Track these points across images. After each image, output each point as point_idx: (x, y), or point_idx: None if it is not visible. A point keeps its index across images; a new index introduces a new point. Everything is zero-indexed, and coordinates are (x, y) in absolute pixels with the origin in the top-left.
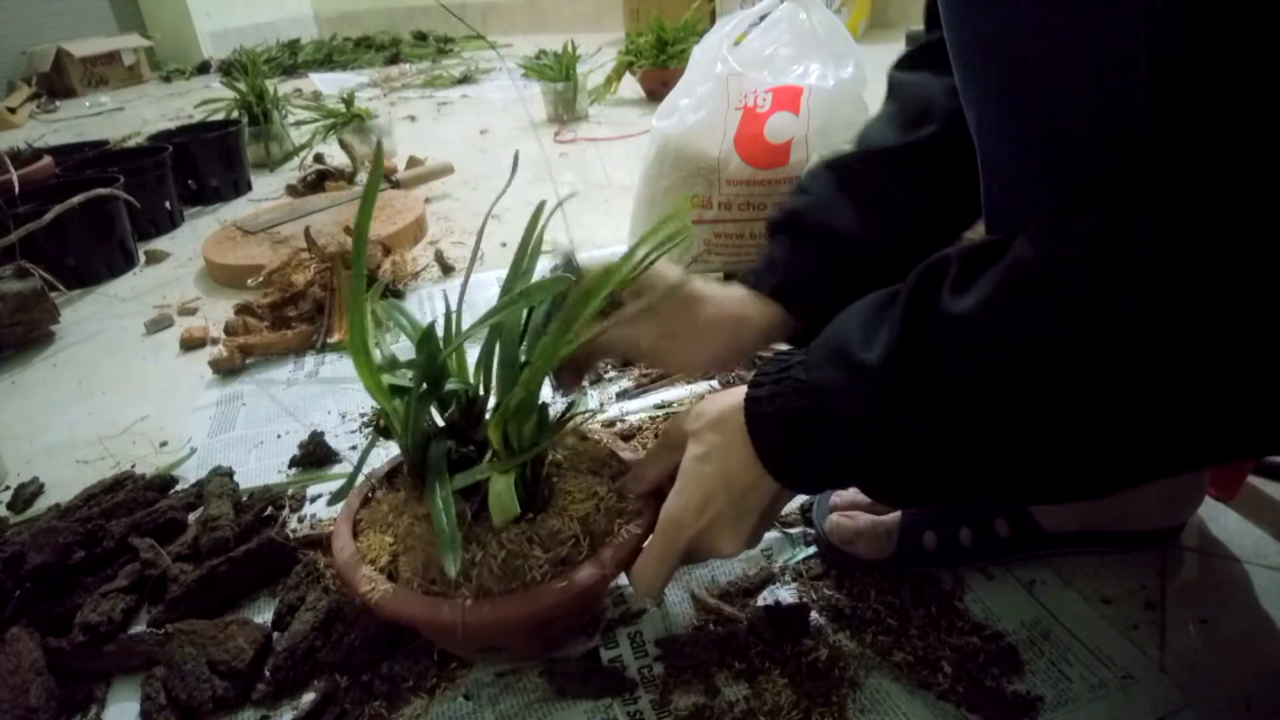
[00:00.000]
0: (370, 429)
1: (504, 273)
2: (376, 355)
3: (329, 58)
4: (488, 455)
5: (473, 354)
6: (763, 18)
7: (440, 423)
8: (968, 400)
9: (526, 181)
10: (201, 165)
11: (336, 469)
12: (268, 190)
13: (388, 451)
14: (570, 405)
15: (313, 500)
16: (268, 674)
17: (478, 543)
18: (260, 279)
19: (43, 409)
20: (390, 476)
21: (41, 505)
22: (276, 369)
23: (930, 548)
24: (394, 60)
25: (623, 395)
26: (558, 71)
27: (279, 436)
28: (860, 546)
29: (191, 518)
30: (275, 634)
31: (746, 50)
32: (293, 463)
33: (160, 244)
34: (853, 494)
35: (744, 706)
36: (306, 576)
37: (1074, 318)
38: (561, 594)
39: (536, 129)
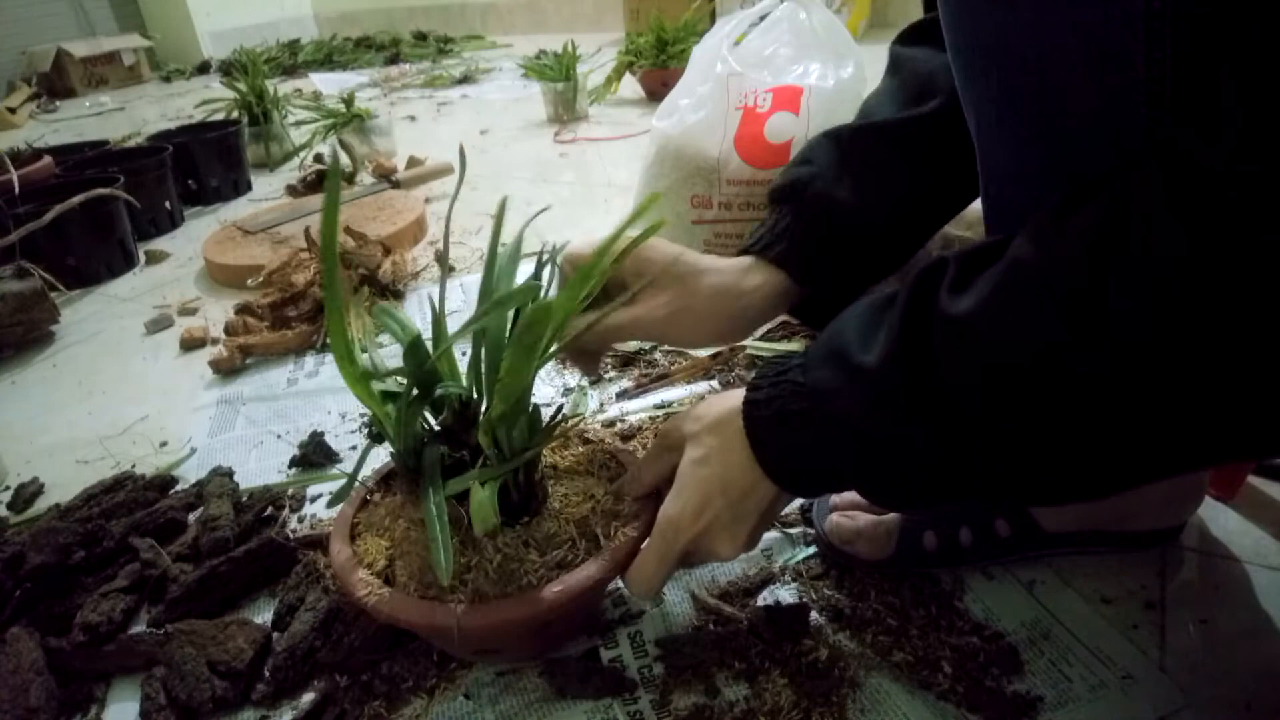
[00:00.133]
0: (368, 431)
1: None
2: (366, 361)
3: (329, 58)
4: (480, 460)
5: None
6: (763, 18)
7: (436, 427)
8: (966, 401)
9: (527, 181)
10: (201, 165)
11: (336, 469)
12: (268, 190)
13: (388, 452)
14: (560, 410)
15: (313, 500)
16: (267, 674)
17: (473, 546)
18: (260, 279)
19: (43, 409)
20: (387, 479)
21: (41, 505)
22: (276, 369)
23: (930, 548)
24: (394, 60)
25: (623, 395)
26: (558, 71)
27: (279, 436)
28: (860, 546)
29: (191, 518)
30: (275, 634)
31: (746, 50)
32: (293, 463)
33: (160, 244)
34: (853, 494)
35: (744, 706)
36: (306, 577)
37: (1072, 318)
38: (557, 598)
39: (536, 129)
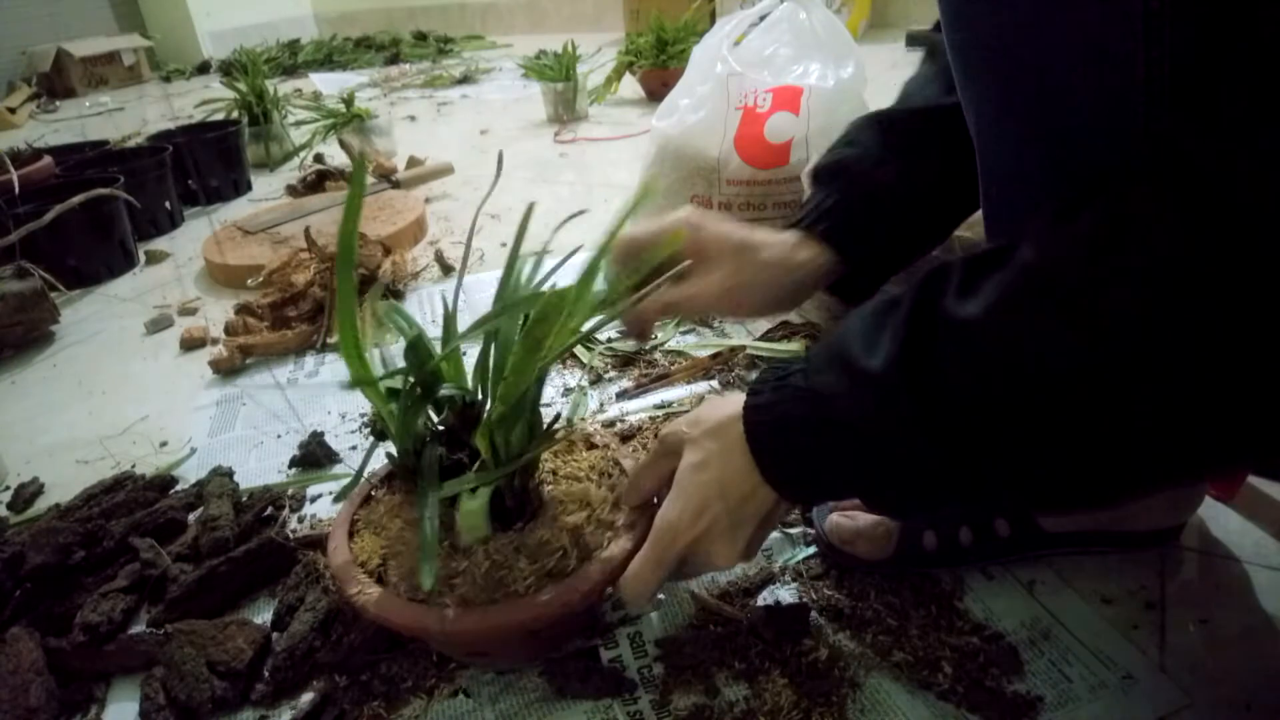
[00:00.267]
0: (369, 430)
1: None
2: (377, 358)
3: (329, 58)
4: (477, 463)
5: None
6: (763, 18)
7: (439, 427)
8: (970, 405)
9: (527, 181)
10: (201, 165)
11: (336, 469)
12: (268, 190)
13: (384, 452)
14: (557, 417)
15: (313, 500)
16: (267, 674)
17: (464, 551)
18: (260, 279)
19: (43, 409)
20: (390, 477)
21: (41, 505)
22: (276, 369)
23: (930, 548)
24: (394, 60)
25: (623, 395)
26: (558, 71)
27: (279, 436)
28: (860, 546)
29: (191, 518)
30: (275, 634)
31: (746, 50)
32: (293, 463)
33: (160, 244)
34: None
35: (744, 707)
36: (306, 577)
37: (1077, 322)
38: (544, 608)
39: (536, 129)
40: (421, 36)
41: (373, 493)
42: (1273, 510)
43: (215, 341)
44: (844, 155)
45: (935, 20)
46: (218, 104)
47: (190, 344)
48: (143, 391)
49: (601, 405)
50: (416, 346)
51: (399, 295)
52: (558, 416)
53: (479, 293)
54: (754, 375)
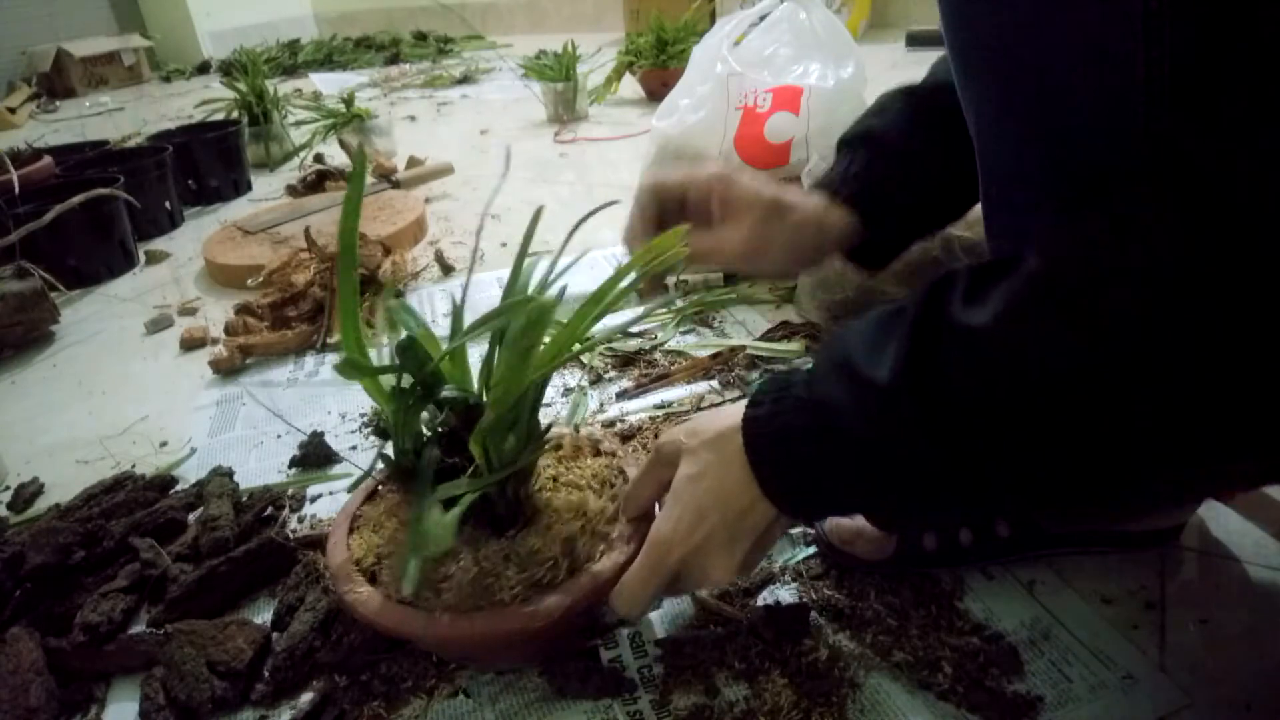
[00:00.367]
0: (370, 429)
1: (504, 273)
2: (386, 357)
3: (329, 58)
4: (471, 468)
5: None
6: (763, 18)
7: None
8: (978, 413)
9: (527, 181)
10: (201, 165)
11: (336, 469)
12: (268, 190)
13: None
14: (549, 427)
15: (313, 500)
16: (267, 674)
17: (454, 556)
18: (260, 279)
19: (43, 409)
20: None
21: (41, 505)
22: (276, 369)
23: (930, 548)
24: (394, 60)
25: (623, 395)
26: (558, 71)
27: (279, 436)
28: (860, 546)
29: (191, 518)
30: (274, 634)
31: (746, 50)
32: (293, 463)
33: (160, 244)
34: None
35: (744, 707)
36: (306, 577)
37: (1082, 326)
38: (528, 619)
39: (536, 129)
40: (421, 36)
41: (379, 488)
42: (1273, 510)
43: (215, 341)
44: (873, 124)
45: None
46: (218, 104)
47: (190, 344)
48: (143, 391)
49: (601, 405)
50: (412, 346)
51: (399, 295)
52: (549, 426)
53: (479, 293)
54: (754, 375)
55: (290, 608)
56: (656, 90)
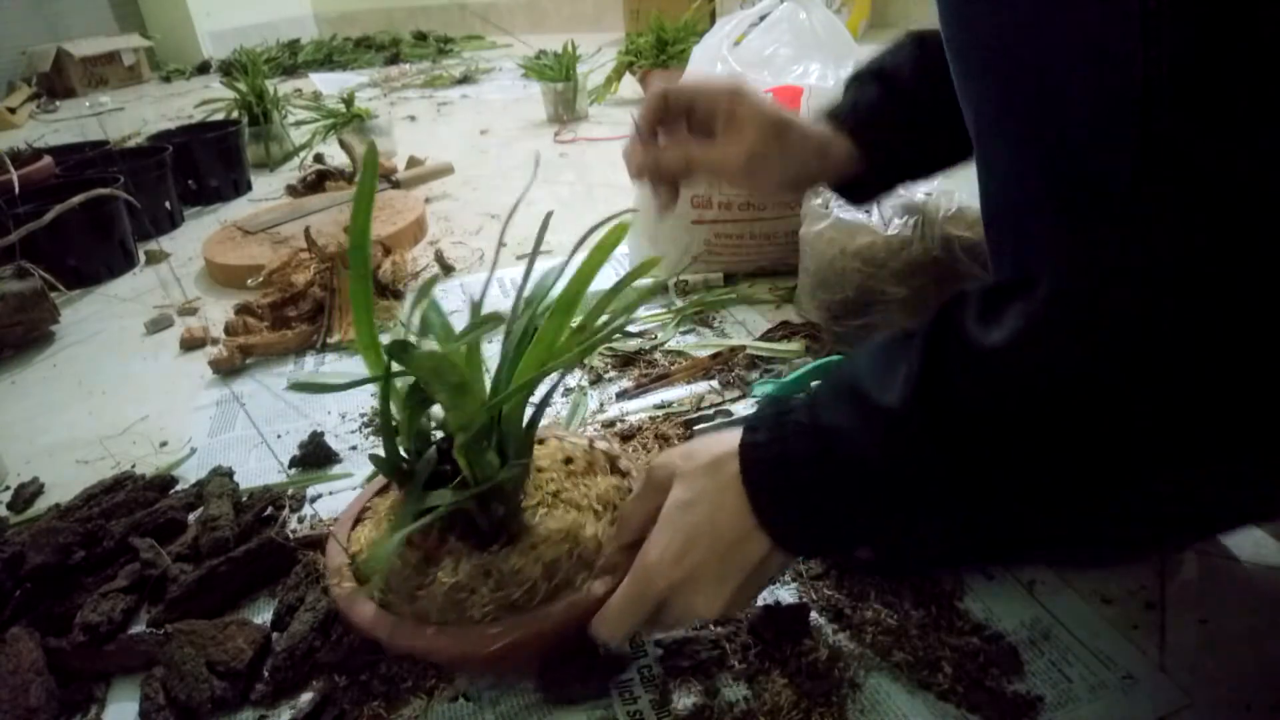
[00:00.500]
0: (370, 430)
1: (504, 273)
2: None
3: (329, 58)
4: (456, 479)
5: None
6: (763, 18)
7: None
8: (997, 435)
9: (526, 181)
10: (201, 165)
11: (336, 469)
12: (268, 190)
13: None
14: (530, 446)
15: (313, 500)
16: (267, 674)
17: (435, 564)
18: (260, 279)
19: (43, 409)
20: None
21: (41, 505)
22: (276, 369)
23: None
24: (394, 60)
25: (623, 395)
26: (558, 71)
27: (279, 436)
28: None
29: (191, 518)
30: (274, 634)
31: (746, 50)
32: (293, 463)
33: (160, 244)
34: None
35: (744, 707)
36: (306, 577)
37: (1110, 347)
38: (491, 640)
39: (536, 129)
40: (421, 36)
41: (391, 482)
42: None
43: (215, 341)
44: (886, 63)
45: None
46: (218, 104)
47: (190, 344)
48: (143, 391)
49: (601, 405)
50: (400, 349)
51: (399, 296)
52: (534, 439)
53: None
54: (754, 375)
55: (290, 608)
56: None
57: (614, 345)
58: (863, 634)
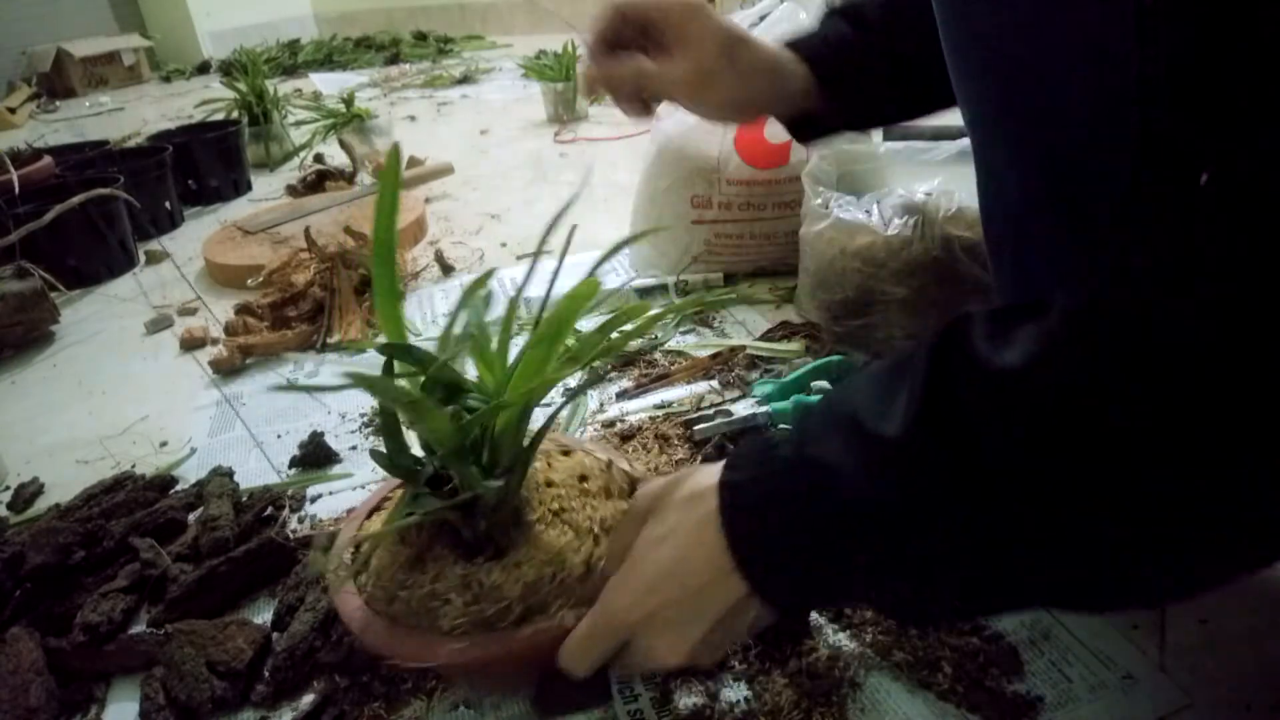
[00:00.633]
0: (370, 429)
1: (504, 273)
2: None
3: (329, 58)
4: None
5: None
6: (763, 18)
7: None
8: (1016, 472)
9: (527, 181)
10: (201, 165)
11: (336, 469)
12: (268, 190)
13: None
14: (525, 462)
15: (313, 500)
16: (267, 674)
17: (420, 567)
18: (260, 279)
19: (43, 409)
20: None
21: (41, 505)
22: (276, 369)
23: None
24: (394, 60)
25: (623, 395)
26: (558, 71)
27: (279, 436)
28: None
29: (191, 518)
30: (275, 634)
31: None
32: (293, 463)
33: (160, 244)
34: None
35: (745, 707)
36: (306, 576)
37: (1135, 355)
38: (449, 655)
39: (536, 129)
40: (421, 36)
41: None
42: None
43: (215, 341)
44: (858, 1)
45: None
46: (218, 104)
47: (190, 344)
48: (143, 391)
49: (601, 405)
50: (397, 351)
51: (399, 296)
52: (525, 462)
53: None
54: (754, 375)
55: (290, 608)
56: None
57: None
58: (863, 634)
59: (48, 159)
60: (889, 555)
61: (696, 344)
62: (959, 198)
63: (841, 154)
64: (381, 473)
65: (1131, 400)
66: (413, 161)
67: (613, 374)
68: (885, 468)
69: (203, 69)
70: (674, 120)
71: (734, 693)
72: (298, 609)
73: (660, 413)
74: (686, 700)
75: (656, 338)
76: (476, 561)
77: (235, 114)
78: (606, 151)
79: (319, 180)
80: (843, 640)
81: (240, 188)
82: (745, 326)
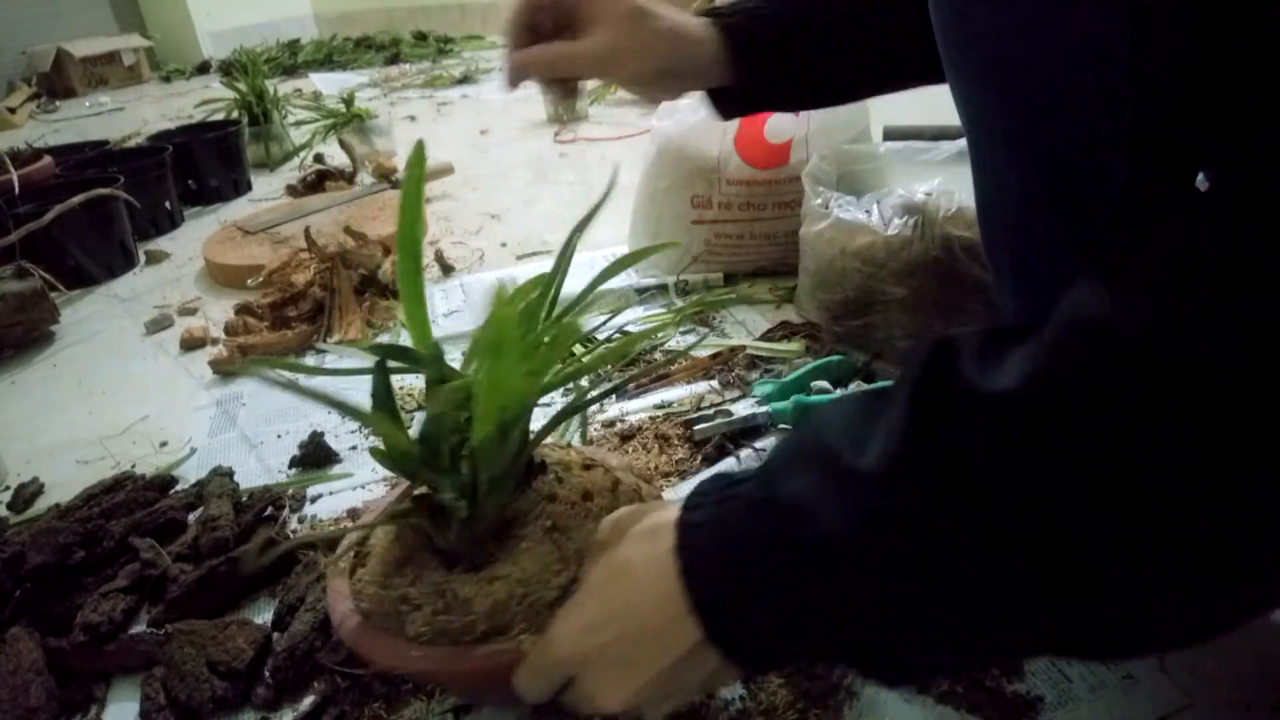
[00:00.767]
0: (369, 429)
1: (505, 273)
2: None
3: (329, 58)
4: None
5: None
6: None
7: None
8: (1013, 506)
9: (527, 181)
10: (201, 165)
11: (336, 469)
12: (268, 190)
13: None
14: (529, 476)
15: (313, 500)
16: (267, 674)
17: (399, 571)
18: (260, 279)
19: (43, 409)
20: None
21: (41, 505)
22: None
23: None
24: (394, 60)
25: (623, 395)
26: None
27: (279, 436)
28: None
29: (191, 518)
30: (275, 634)
31: None
32: (293, 463)
33: (160, 244)
34: None
35: (739, 706)
36: (306, 576)
37: (1169, 374)
38: (403, 662)
39: (536, 129)
40: (421, 36)
41: None
42: None
43: (215, 341)
44: None
45: None
46: (218, 104)
47: (190, 344)
48: (143, 391)
49: (601, 405)
50: (397, 351)
51: (398, 295)
52: (509, 476)
53: (479, 292)
54: (754, 375)
55: (290, 608)
56: None
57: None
58: None
59: (48, 159)
60: (867, 604)
61: (696, 344)
62: (959, 198)
63: (841, 154)
64: (382, 472)
65: (1142, 417)
66: None
67: (613, 374)
68: (863, 505)
69: (203, 69)
70: (674, 120)
71: (730, 691)
72: (298, 609)
73: (660, 413)
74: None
75: (656, 337)
76: (455, 571)
77: (235, 114)
78: (606, 151)
79: (319, 180)
80: None
81: (240, 188)
82: (745, 326)
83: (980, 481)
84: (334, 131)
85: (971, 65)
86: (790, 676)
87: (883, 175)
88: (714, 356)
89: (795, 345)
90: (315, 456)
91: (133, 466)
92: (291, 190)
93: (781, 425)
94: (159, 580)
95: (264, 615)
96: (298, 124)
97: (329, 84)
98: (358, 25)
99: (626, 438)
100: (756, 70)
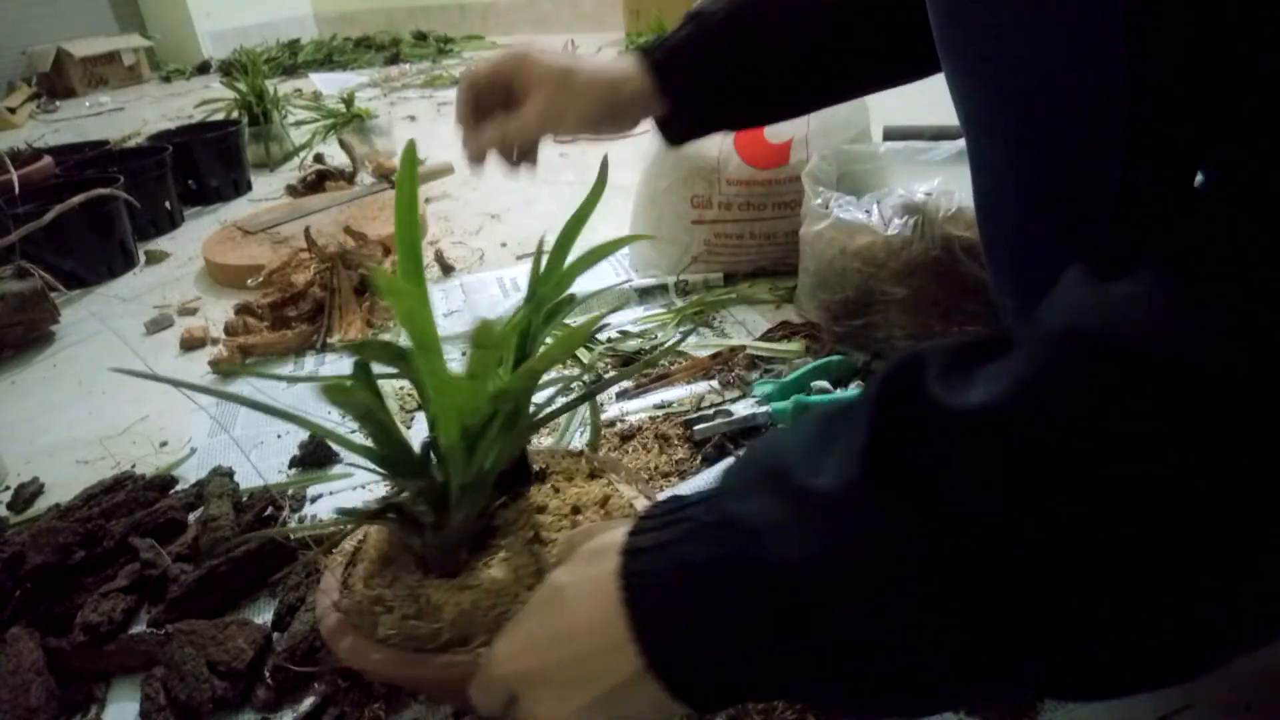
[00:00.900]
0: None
1: (504, 273)
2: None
3: (329, 58)
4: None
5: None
6: None
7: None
8: (988, 530)
9: (527, 181)
10: (201, 165)
11: (336, 469)
12: (268, 190)
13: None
14: (521, 487)
15: (313, 500)
16: (267, 675)
17: (380, 573)
18: (260, 279)
19: (43, 409)
20: None
21: (41, 505)
22: (276, 369)
23: None
24: (394, 60)
25: (623, 395)
26: None
27: (279, 436)
28: None
29: (191, 518)
30: (275, 634)
31: None
32: (293, 463)
33: (160, 244)
34: None
35: (737, 706)
36: (306, 576)
37: (1161, 380)
38: (371, 665)
39: None
40: (421, 36)
41: None
42: None
43: (215, 341)
44: (704, 4)
45: None
46: (218, 104)
47: (190, 344)
48: (143, 391)
49: (601, 405)
50: (377, 347)
51: None
52: (486, 485)
53: (479, 292)
54: (754, 375)
55: (290, 608)
56: None
57: (614, 345)
58: None
59: (48, 159)
60: (825, 634)
61: (696, 344)
62: (959, 198)
63: (841, 154)
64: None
65: (1140, 421)
66: None
67: (613, 374)
68: (821, 526)
69: (203, 69)
70: None
71: None
72: (298, 609)
73: (660, 413)
74: None
75: (656, 337)
76: (431, 576)
77: (235, 114)
78: (606, 151)
79: (319, 180)
80: None
81: (240, 188)
82: (745, 326)
83: (951, 501)
84: (334, 131)
85: (969, 62)
86: None
87: (883, 175)
88: (714, 356)
89: (795, 345)
90: (315, 457)
91: (133, 466)
92: (291, 190)
93: (781, 425)
94: (159, 580)
95: (264, 615)
96: (298, 124)
97: (329, 84)
98: (358, 25)
99: (626, 438)
100: (684, 98)
